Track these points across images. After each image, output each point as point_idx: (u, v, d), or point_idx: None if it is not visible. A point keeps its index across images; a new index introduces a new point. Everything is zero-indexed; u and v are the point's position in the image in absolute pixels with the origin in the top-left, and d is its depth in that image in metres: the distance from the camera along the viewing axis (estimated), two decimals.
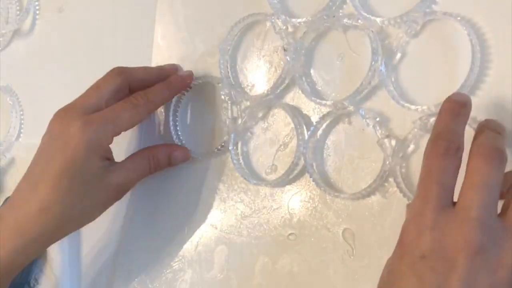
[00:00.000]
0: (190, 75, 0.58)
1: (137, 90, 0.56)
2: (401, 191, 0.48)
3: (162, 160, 0.58)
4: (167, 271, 0.59)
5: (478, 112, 0.45)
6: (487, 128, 0.41)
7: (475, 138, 0.41)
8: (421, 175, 0.41)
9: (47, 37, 0.70)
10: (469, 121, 0.44)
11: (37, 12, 0.71)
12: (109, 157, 0.54)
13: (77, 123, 0.51)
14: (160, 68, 0.59)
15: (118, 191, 0.55)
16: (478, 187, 0.38)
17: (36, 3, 0.70)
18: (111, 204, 0.55)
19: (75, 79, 0.67)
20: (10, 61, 0.72)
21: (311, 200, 0.53)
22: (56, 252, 0.64)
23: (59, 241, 0.63)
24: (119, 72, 0.55)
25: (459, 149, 0.40)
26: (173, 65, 0.60)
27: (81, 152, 0.51)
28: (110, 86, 0.54)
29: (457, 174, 0.40)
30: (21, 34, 0.71)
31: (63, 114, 0.53)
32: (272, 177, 0.55)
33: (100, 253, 0.64)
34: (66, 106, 0.54)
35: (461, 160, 0.40)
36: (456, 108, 0.42)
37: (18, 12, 0.71)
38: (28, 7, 0.70)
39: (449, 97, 0.43)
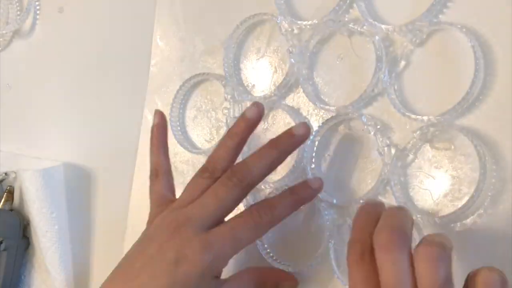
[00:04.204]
0: (320, 185, 0.50)
1: None
2: (397, 200, 0.48)
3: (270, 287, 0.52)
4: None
5: (481, 124, 0.45)
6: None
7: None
8: None
9: (47, 37, 0.70)
10: (471, 136, 0.44)
11: (38, 12, 0.70)
12: (218, 276, 0.48)
13: (194, 245, 0.45)
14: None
15: None
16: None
17: (37, 3, 0.70)
18: None
19: (75, 79, 0.68)
20: (10, 61, 0.71)
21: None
22: (54, 252, 0.64)
23: (58, 241, 0.64)
24: (239, 180, 0.47)
25: None
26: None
27: (194, 277, 0.45)
28: (232, 196, 0.47)
29: None
30: (22, 34, 0.71)
31: (176, 226, 0.46)
32: (273, 178, 0.54)
33: (101, 252, 0.65)
34: (178, 213, 0.47)
35: None
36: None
37: (18, 13, 0.71)
38: (28, 7, 0.70)
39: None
